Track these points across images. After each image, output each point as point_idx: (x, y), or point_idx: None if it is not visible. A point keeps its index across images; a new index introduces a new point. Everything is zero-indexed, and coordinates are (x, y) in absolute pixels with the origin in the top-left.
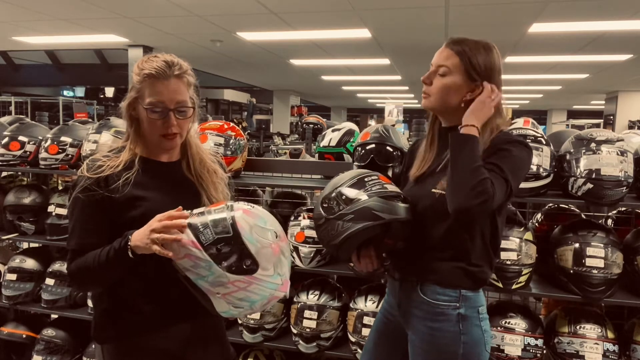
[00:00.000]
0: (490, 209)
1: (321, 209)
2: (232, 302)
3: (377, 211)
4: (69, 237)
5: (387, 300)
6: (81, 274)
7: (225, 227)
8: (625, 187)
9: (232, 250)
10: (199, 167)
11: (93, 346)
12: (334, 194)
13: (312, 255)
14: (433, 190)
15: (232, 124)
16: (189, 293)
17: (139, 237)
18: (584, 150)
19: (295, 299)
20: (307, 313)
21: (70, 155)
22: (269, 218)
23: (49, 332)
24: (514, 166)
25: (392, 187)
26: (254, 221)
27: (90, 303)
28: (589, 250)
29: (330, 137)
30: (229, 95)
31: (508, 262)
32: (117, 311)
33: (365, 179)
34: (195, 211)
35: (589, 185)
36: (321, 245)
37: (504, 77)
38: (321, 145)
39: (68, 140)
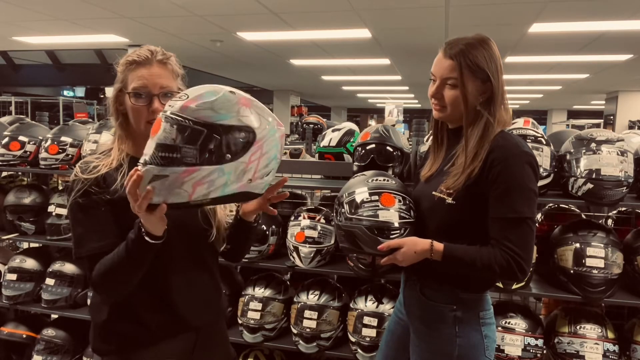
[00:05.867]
0: (526, 273)
1: (334, 208)
2: (262, 174)
3: (359, 241)
4: (78, 246)
5: (398, 299)
6: (107, 278)
7: (192, 132)
8: (625, 187)
9: (219, 141)
10: None
11: None
12: (337, 202)
13: (312, 255)
14: (433, 192)
15: None
16: (193, 302)
17: (141, 217)
18: (584, 150)
19: (295, 299)
20: (307, 313)
21: (70, 155)
22: (213, 87)
23: (49, 332)
24: (522, 192)
25: (384, 214)
26: (203, 102)
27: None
28: (589, 250)
29: (331, 137)
30: None
31: None
32: (118, 323)
33: (365, 199)
34: (146, 152)
35: (589, 185)
36: (322, 246)
37: (504, 77)
38: (321, 145)
39: (68, 140)
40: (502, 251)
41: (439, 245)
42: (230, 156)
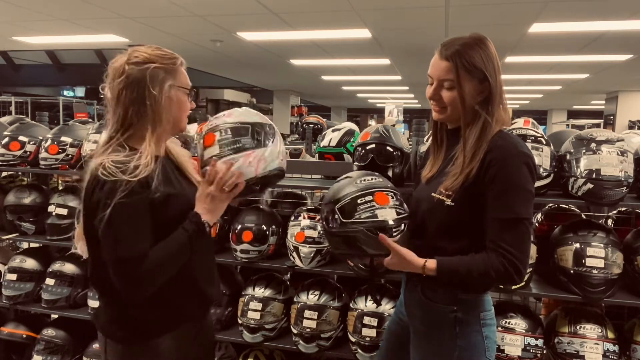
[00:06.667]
0: (523, 274)
1: (323, 215)
2: (284, 157)
3: (361, 244)
4: (122, 245)
5: (399, 300)
6: (162, 270)
7: (241, 129)
8: (625, 187)
9: (260, 132)
10: (178, 157)
11: (94, 346)
12: (328, 209)
13: (312, 255)
14: (433, 194)
15: None
16: (212, 282)
17: (209, 207)
18: (584, 150)
19: (295, 299)
20: (307, 313)
21: (70, 155)
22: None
23: (49, 332)
24: (518, 193)
25: (382, 213)
26: (237, 112)
27: (95, 303)
28: (589, 250)
29: (331, 137)
30: (229, 95)
31: None
32: (146, 310)
33: (359, 201)
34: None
35: (589, 185)
36: (322, 246)
37: (504, 77)
38: (321, 145)
39: (68, 140)
40: (498, 253)
41: (431, 264)
42: (268, 142)
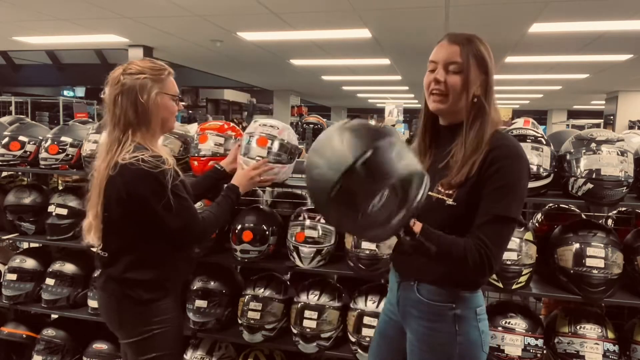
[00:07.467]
0: (493, 271)
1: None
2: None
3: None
4: (186, 213)
5: (388, 300)
6: (217, 225)
7: (286, 147)
8: (625, 187)
9: (296, 149)
10: None
11: (94, 346)
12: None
13: (312, 255)
14: (430, 193)
15: (232, 124)
16: (189, 257)
17: (247, 185)
18: (584, 150)
19: (295, 299)
20: (307, 313)
21: (70, 155)
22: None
23: (49, 332)
24: (515, 194)
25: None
26: (288, 131)
27: (94, 303)
28: (589, 251)
29: None
30: (229, 95)
31: (508, 262)
32: (157, 275)
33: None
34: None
35: (589, 185)
36: (322, 246)
37: (504, 77)
38: None
39: (68, 140)
40: (478, 244)
41: (418, 225)
42: (294, 159)
